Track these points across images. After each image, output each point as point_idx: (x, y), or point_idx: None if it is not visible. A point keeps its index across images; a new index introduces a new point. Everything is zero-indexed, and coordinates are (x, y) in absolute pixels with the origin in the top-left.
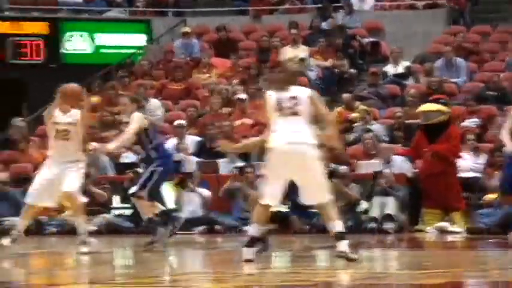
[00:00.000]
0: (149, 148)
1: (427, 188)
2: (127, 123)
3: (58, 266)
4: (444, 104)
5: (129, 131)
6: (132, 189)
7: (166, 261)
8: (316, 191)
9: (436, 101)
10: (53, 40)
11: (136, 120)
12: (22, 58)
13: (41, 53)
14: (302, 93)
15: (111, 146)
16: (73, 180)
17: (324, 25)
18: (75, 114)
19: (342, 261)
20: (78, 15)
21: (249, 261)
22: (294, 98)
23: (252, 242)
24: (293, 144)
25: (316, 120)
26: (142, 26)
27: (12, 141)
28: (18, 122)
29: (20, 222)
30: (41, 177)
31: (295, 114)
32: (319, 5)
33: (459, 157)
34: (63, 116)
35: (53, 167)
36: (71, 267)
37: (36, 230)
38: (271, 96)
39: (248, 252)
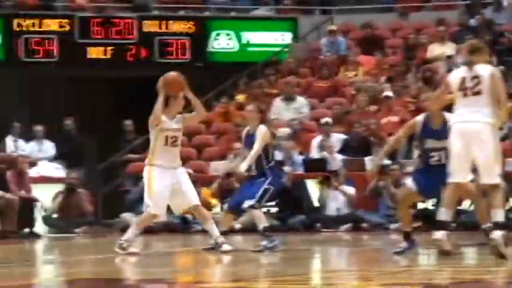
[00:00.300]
0: (265, 166)
1: None
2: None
3: (203, 264)
4: None
5: (257, 149)
6: (249, 203)
7: (312, 259)
8: (487, 171)
9: None
10: (199, 39)
11: (262, 137)
12: (168, 57)
13: (187, 51)
14: (485, 71)
15: (243, 167)
16: (193, 190)
17: (472, 22)
18: (181, 119)
19: (491, 260)
20: (225, 13)
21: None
22: (476, 77)
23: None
24: (468, 123)
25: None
26: (288, 24)
27: None
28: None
29: (133, 230)
30: (161, 188)
31: (476, 94)
32: (468, 2)
33: None
34: (171, 122)
35: (166, 175)
36: (215, 265)
37: (182, 228)
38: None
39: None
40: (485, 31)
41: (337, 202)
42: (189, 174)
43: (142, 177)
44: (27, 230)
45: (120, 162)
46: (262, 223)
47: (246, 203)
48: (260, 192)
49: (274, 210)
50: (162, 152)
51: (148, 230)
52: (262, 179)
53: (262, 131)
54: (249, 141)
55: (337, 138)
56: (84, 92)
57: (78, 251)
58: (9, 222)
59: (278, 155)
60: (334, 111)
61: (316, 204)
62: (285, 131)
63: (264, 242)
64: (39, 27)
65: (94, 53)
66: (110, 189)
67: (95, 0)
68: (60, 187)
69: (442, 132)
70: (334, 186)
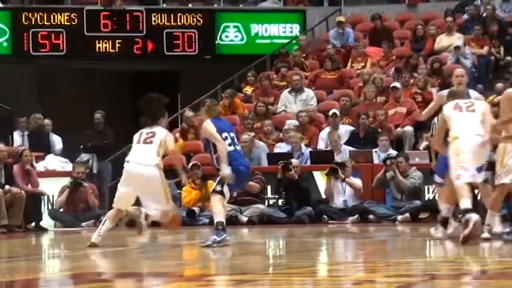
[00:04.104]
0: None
1: None
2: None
3: (209, 257)
4: None
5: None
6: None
7: (319, 251)
8: None
9: None
10: (207, 31)
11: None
12: (176, 50)
13: (194, 44)
14: None
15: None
16: None
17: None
18: None
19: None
20: (233, 6)
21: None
22: None
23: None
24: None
25: None
26: (297, 16)
27: (183, 131)
28: (188, 112)
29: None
30: None
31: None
32: None
33: None
34: None
35: None
36: (222, 258)
37: (188, 221)
38: None
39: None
40: (492, 22)
41: (344, 194)
42: (197, 166)
43: None
44: (33, 224)
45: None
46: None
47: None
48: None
49: (281, 202)
50: None
51: (159, 223)
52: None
53: (203, 128)
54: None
55: (345, 129)
56: (92, 85)
57: (84, 245)
58: (15, 216)
59: (286, 147)
60: (341, 102)
61: (323, 196)
62: (292, 123)
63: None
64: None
65: (102, 46)
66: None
67: None
68: (66, 181)
69: None
70: (341, 178)
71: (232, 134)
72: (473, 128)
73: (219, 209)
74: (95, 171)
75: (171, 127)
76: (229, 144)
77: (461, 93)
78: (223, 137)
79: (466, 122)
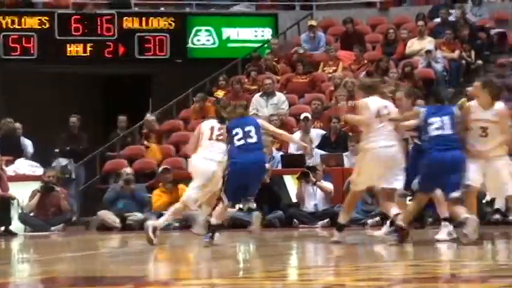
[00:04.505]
0: None
1: None
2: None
3: (179, 261)
4: None
5: None
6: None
7: (289, 255)
8: None
9: None
10: (179, 35)
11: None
12: (148, 54)
13: (166, 48)
14: None
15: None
16: None
17: (451, 16)
18: None
19: (467, 253)
20: (204, 9)
21: None
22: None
23: None
24: None
25: None
26: (268, 19)
27: (145, 135)
28: (149, 116)
29: None
30: None
31: None
32: None
33: None
34: None
35: None
36: (192, 262)
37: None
38: None
39: None
40: (463, 26)
41: (315, 198)
42: (168, 170)
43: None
44: (3, 228)
45: (101, 159)
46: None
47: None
48: None
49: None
50: None
51: (128, 227)
52: None
53: None
54: None
55: (317, 133)
56: (63, 89)
57: (55, 249)
58: None
59: None
60: (313, 106)
61: (293, 200)
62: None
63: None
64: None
65: (74, 50)
66: (90, 187)
67: None
68: (37, 185)
69: None
70: (312, 181)
71: (247, 128)
72: None
73: (216, 211)
74: (74, 176)
75: (140, 131)
76: (239, 139)
77: None
78: (234, 133)
79: None
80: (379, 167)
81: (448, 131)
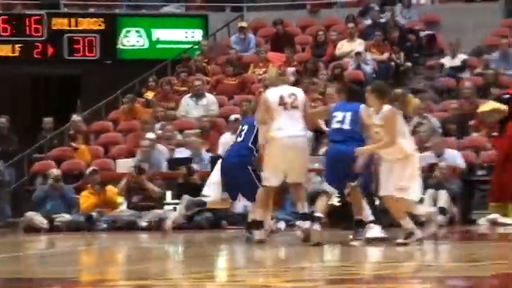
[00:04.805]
0: None
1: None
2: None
3: (107, 263)
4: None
5: None
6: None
7: (217, 256)
8: None
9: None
10: (108, 36)
11: None
12: (77, 54)
13: (95, 49)
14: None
15: None
16: None
17: (382, 19)
18: None
19: (397, 255)
20: (135, 10)
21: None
22: None
23: None
24: None
25: None
26: (199, 21)
27: (72, 137)
28: (76, 117)
29: None
30: None
31: None
32: None
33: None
34: None
35: None
36: (119, 264)
37: (87, 226)
38: None
39: None
40: (393, 28)
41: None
42: (96, 171)
43: (46, 176)
44: None
45: (28, 160)
46: None
47: None
48: None
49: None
50: None
51: (56, 229)
52: None
53: None
54: None
55: None
56: None
57: None
58: None
59: (186, 152)
60: (242, 108)
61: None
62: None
63: None
64: None
65: (2, 50)
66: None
67: None
68: None
69: None
70: None
71: (244, 127)
72: None
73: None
74: (8, 178)
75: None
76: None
77: None
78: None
79: None
80: (283, 157)
81: (347, 126)
